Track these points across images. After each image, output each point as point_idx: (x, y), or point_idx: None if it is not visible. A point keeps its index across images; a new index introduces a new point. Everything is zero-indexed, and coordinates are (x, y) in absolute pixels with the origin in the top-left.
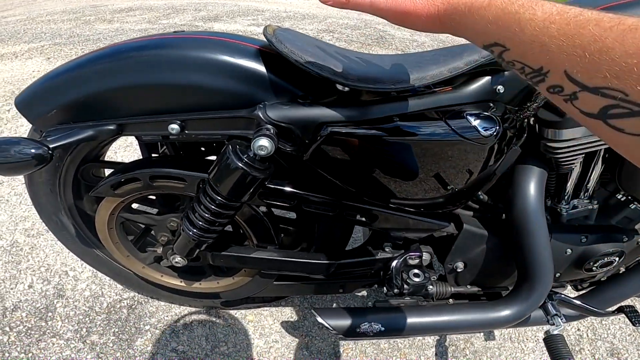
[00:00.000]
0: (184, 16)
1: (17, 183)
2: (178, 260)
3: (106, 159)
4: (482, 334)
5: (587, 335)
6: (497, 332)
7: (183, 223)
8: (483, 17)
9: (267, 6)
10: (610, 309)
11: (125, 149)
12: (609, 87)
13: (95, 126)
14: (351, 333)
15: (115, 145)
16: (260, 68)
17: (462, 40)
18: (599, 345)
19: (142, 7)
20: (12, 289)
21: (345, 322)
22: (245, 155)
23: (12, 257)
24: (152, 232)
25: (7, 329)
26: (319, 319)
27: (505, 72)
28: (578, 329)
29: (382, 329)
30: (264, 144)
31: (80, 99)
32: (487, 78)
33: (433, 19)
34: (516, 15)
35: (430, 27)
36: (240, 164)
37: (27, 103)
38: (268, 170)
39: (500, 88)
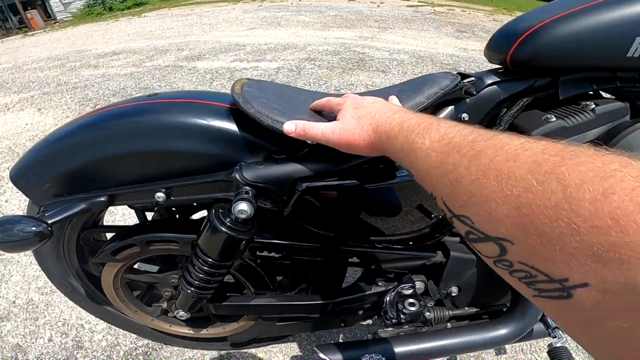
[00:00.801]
0: (168, 57)
1: None
2: (182, 314)
3: (105, 222)
4: (492, 349)
5: None
6: (508, 346)
7: (181, 282)
8: (395, 146)
9: (248, 40)
10: None
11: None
12: (464, 215)
13: (87, 199)
14: None
15: None
16: (234, 128)
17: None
18: None
19: (125, 50)
20: (33, 343)
21: (346, 356)
22: (228, 219)
23: (30, 314)
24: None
25: None
26: (321, 355)
27: (467, 100)
28: None
29: (383, 359)
30: (243, 208)
31: (70, 172)
32: (451, 108)
33: (369, 146)
34: (413, 145)
35: (369, 152)
36: (224, 229)
37: (20, 177)
38: (253, 229)
39: (465, 116)
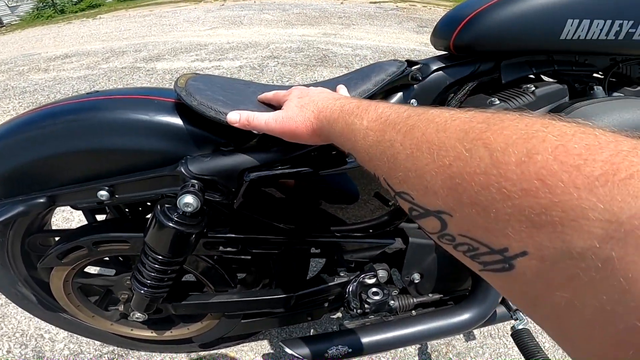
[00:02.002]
0: (125, 59)
1: None
2: (139, 316)
3: (52, 226)
4: (461, 335)
5: None
6: (476, 332)
7: (132, 283)
8: (336, 130)
9: (210, 39)
10: None
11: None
12: (404, 192)
13: (25, 201)
14: (320, 359)
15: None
16: (178, 122)
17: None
18: None
19: (78, 52)
20: None
21: (312, 349)
22: (175, 214)
23: None
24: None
25: None
26: (288, 350)
27: (415, 86)
28: None
29: (349, 350)
30: (188, 201)
31: (6, 174)
32: (399, 94)
33: (312, 134)
34: (352, 127)
35: (313, 140)
36: (170, 224)
37: None
38: (202, 224)
39: (414, 102)
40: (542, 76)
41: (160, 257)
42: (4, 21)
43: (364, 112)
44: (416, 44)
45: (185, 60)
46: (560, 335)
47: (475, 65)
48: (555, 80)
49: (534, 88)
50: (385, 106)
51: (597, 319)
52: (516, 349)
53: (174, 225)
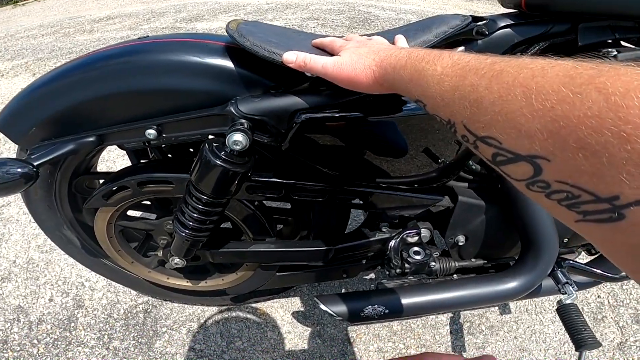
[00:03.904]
0: (165, 19)
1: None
2: (177, 261)
3: (98, 169)
4: (496, 308)
5: (609, 302)
6: (512, 305)
7: (174, 225)
8: (403, 77)
9: (248, 0)
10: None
11: (123, 158)
12: (488, 137)
13: (75, 139)
14: (355, 318)
15: (113, 154)
16: (229, 64)
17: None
18: (622, 312)
19: (120, 14)
20: (34, 303)
21: (348, 307)
22: (222, 152)
23: (30, 274)
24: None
25: (35, 341)
26: (322, 307)
27: (479, 41)
28: (598, 296)
29: (386, 310)
30: (238, 138)
31: (57, 115)
32: (461, 49)
33: (372, 82)
34: (423, 73)
35: (372, 89)
36: (218, 162)
37: (6, 123)
38: (248, 164)
39: None
40: (622, 42)
41: (204, 197)
42: None
43: (437, 58)
44: (464, 10)
45: (224, 21)
46: None
47: (549, 25)
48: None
49: (615, 52)
50: (460, 54)
51: None
52: (551, 327)
53: (221, 163)
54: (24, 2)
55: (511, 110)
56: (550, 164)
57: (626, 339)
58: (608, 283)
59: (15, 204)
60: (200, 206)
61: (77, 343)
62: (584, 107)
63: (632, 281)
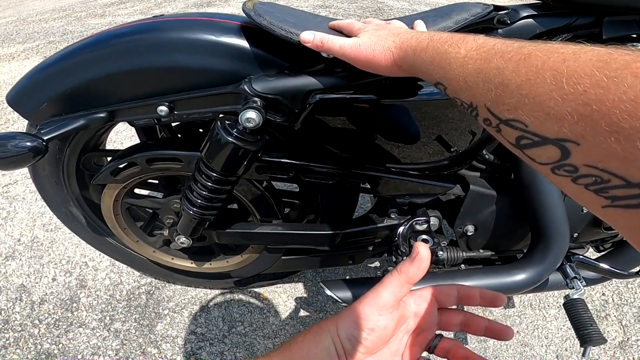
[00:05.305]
0: (176, 4)
1: (31, 181)
2: (183, 240)
3: (107, 147)
4: None
5: (613, 300)
6: (516, 299)
7: (182, 203)
8: (424, 59)
9: None
10: (634, 270)
11: (131, 139)
12: (514, 119)
13: (86, 115)
14: None
15: (122, 135)
16: (244, 43)
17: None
18: (625, 310)
19: None
20: (37, 282)
21: (354, 293)
22: (235, 130)
23: (34, 252)
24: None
25: (37, 321)
26: (327, 292)
27: (500, 31)
28: (603, 294)
29: None
30: (251, 116)
31: (68, 91)
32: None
33: (391, 65)
34: (445, 55)
35: (390, 72)
36: (230, 139)
37: (18, 99)
38: (260, 142)
39: None
40: None
41: (214, 174)
42: None
43: (461, 41)
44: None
45: (235, 7)
46: None
47: (572, 17)
48: None
49: None
50: (485, 37)
51: None
52: (555, 323)
53: (233, 140)
54: None
55: (539, 94)
56: (579, 147)
57: (628, 338)
58: (614, 281)
59: (22, 182)
60: (209, 184)
61: (78, 324)
62: (619, 91)
63: (637, 280)
